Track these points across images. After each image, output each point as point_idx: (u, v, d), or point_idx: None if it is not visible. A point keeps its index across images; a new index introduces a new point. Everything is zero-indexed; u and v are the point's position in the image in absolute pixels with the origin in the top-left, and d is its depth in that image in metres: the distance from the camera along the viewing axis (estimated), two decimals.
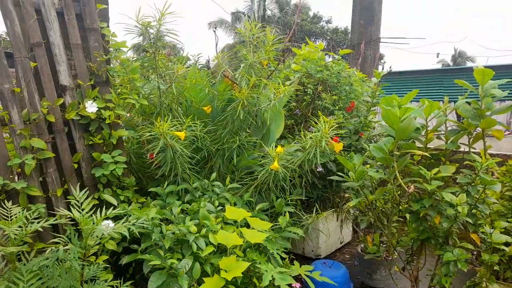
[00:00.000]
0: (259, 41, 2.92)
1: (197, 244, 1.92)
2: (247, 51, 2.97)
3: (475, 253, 2.96)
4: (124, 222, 1.73)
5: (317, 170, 3.64)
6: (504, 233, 3.31)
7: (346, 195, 2.96)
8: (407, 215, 2.46)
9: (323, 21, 22.04)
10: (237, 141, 2.75)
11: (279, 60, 3.17)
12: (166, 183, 2.45)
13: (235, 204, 2.50)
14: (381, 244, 2.73)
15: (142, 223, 1.87)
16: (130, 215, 2.04)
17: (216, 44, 3.37)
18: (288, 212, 3.15)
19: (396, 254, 2.62)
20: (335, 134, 3.79)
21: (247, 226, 2.30)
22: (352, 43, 6.04)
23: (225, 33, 23.26)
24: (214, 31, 3.44)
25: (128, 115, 3.21)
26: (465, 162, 2.22)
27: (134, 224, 1.75)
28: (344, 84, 3.87)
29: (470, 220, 1.93)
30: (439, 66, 24.29)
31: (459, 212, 1.88)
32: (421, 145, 2.43)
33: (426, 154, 2.08)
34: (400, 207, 2.50)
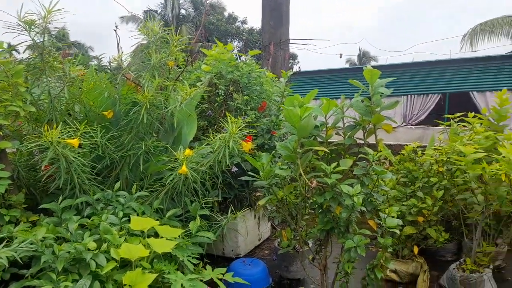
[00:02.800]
0: (163, 41, 2.80)
1: (96, 262, 1.76)
2: (151, 51, 2.84)
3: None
4: (6, 247, 1.51)
5: (232, 170, 3.65)
6: (399, 216, 3.70)
7: (258, 193, 3.01)
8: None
9: (239, 21, 22.40)
10: (143, 147, 2.61)
11: (187, 61, 3.10)
12: (61, 197, 2.22)
13: (143, 213, 2.37)
14: (293, 238, 2.83)
15: (30, 245, 1.66)
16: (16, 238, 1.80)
17: (118, 44, 3.16)
18: (204, 215, 3.10)
19: (307, 246, 2.74)
20: (247, 133, 3.84)
21: (157, 235, 2.19)
22: (264, 43, 6.22)
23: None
24: (115, 30, 3.22)
25: (17, 123, 2.85)
26: (359, 155, 2.40)
27: (18, 248, 1.54)
28: (255, 85, 3.94)
29: (364, 209, 2.09)
30: (347, 65, 26.58)
31: (355, 202, 2.02)
32: (323, 141, 2.57)
33: (326, 149, 2.20)
34: (310, 201, 2.62)
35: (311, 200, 2.51)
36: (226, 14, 22.79)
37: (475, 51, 12.76)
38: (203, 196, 3.28)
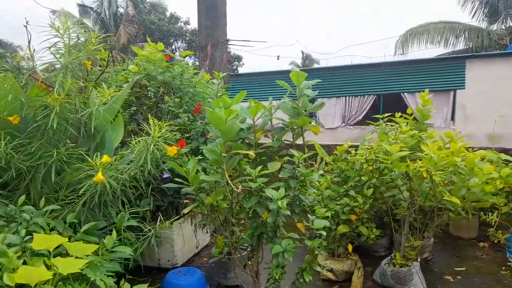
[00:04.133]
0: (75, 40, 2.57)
1: None
2: (65, 51, 2.59)
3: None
4: None
5: (164, 176, 3.47)
6: (334, 215, 3.76)
7: (185, 200, 2.88)
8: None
9: (181, 21, 21.88)
10: (55, 155, 2.36)
11: (108, 61, 2.88)
12: None
13: (52, 230, 2.13)
14: (225, 245, 2.73)
15: None
16: None
17: (29, 42, 2.85)
18: (133, 225, 2.90)
19: (239, 252, 2.66)
20: (180, 137, 3.68)
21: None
22: (200, 44, 6.06)
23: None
24: (25, 26, 2.90)
25: None
26: (285, 158, 2.37)
27: None
28: (187, 86, 3.79)
29: (289, 213, 2.05)
30: (291, 67, 27.21)
31: (280, 206, 1.97)
32: (252, 144, 2.51)
33: (251, 153, 2.14)
34: (239, 206, 2.54)
35: (239, 206, 2.43)
36: (168, 14, 22.18)
37: (401, 54, 13.72)
38: (134, 205, 3.08)
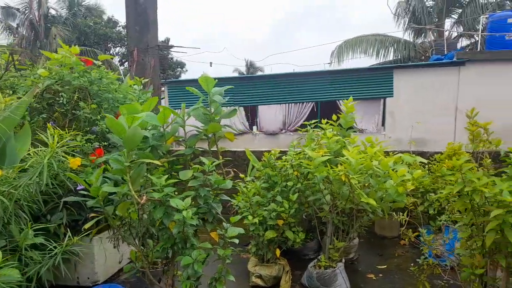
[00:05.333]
0: None
1: None
2: None
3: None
4: None
5: (78, 188, 3.25)
6: (262, 221, 3.77)
7: (91, 214, 2.70)
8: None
9: (120, 26, 20.97)
10: None
11: (8, 65, 2.62)
12: None
13: None
14: (137, 259, 2.60)
15: None
16: None
17: None
18: (42, 243, 2.67)
19: (154, 266, 2.54)
20: (98, 146, 3.47)
21: None
22: (129, 49, 5.82)
23: None
24: None
25: None
26: (198, 167, 2.31)
27: None
28: (106, 92, 3.60)
29: (195, 223, 1.99)
30: (236, 74, 27.43)
31: (185, 216, 1.91)
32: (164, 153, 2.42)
33: (157, 161, 2.05)
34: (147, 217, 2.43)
35: (151, 217, 2.33)
36: (105, 17, 21.13)
37: (329, 62, 14.48)
38: (45, 221, 2.84)
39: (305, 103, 10.85)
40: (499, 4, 15.02)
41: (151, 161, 2.07)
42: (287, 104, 10.96)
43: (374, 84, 10.12)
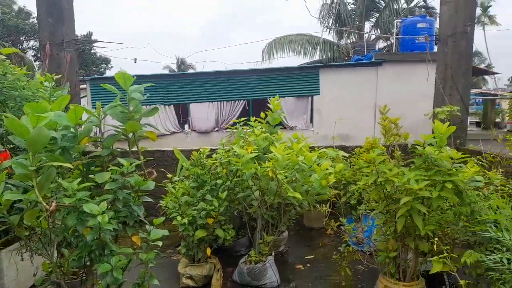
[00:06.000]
0: None
1: None
2: None
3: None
4: None
5: None
6: (192, 221, 3.71)
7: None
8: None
9: (33, 17, 18.97)
10: None
11: None
12: None
13: None
14: (51, 271, 2.39)
15: None
16: None
17: None
18: None
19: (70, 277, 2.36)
20: (4, 148, 3.13)
21: None
22: (42, 43, 5.28)
23: None
24: None
25: None
26: (116, 168, 2.19)
27: None
28: (12, 89, 3.25)
29: (111, 228, 1.89)
30: (166, 71, 26.54)
31: (101, 222, 1.79)
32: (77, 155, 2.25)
33: (67, 164, 1.90)
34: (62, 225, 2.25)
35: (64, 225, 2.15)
36: (15, 7, 18.91)
37: (256, 61, 14.82)
38: None
39: (237, 101, 10.93)
40: (410, 10, 16.62)
41: (61, 164, 1.90)
42: (219, 102, 10.94)
43: (302, 82, 10.54)
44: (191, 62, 28.65)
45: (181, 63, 28.75)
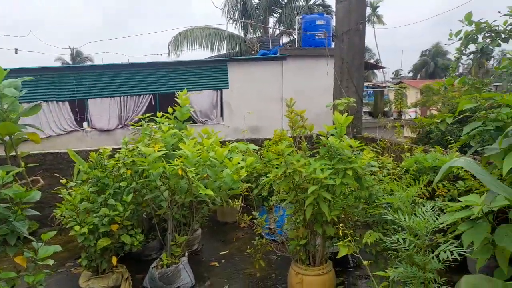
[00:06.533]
0: None
1: None
2: None
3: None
4: None
5: None
6: (93, 229, 3.36)
7: None
8: None
9: None
10: None
11: None
12: None
13: None
14: None
15: None
16: None
17: None
18: None
19: None
20: None
21: None
22: None
23: None
24: None
25: None
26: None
27: None
28: None
29: None
30: (58, 63, 23.67)
31: None
32: None
33: None
34: None
35: None
36: None
37: (161, 53, 14.36)
38: None
39: (142, 95, 10.31)
40: (310, 7, 17.66)
41: None
42: (122, 97, 10.19)
43: (210, 76, 10.42)
44: (88, 54, 26.07)
45: (76, 55, 25.96)
